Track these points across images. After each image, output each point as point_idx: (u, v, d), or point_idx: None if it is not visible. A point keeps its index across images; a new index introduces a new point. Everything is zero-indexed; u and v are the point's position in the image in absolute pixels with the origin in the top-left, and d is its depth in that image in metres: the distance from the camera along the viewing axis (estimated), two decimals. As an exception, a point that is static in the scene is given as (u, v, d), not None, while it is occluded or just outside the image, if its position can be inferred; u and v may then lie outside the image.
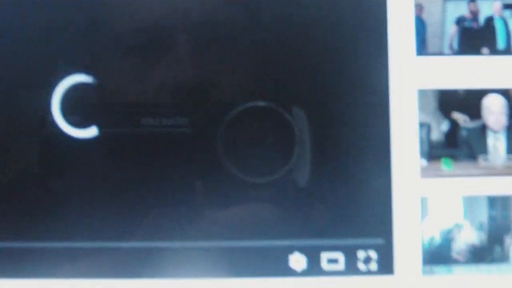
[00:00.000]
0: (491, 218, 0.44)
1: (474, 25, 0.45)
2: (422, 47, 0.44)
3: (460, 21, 0.45)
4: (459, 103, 0.44)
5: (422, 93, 0.43)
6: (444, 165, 0.44)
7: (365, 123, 0.43)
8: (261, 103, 0.42)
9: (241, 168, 0.42)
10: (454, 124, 0.44)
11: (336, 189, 0.43)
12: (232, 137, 0.42)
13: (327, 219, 0.42)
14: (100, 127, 0.42)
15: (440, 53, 0.44)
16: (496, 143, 0.44)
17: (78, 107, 0.43)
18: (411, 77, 0.43)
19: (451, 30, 0.45)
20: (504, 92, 0.44)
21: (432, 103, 0.44)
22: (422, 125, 0.43)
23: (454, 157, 0.44)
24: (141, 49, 0.43)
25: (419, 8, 0.44)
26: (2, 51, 0.43)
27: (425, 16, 0.44)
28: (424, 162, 0.43)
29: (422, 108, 0.43)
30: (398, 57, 0.43)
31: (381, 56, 0.43)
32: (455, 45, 0.45)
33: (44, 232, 0.42)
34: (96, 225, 0.42)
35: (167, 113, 0.42)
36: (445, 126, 0.44)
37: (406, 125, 0.43)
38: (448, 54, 0.44)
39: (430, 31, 0.44)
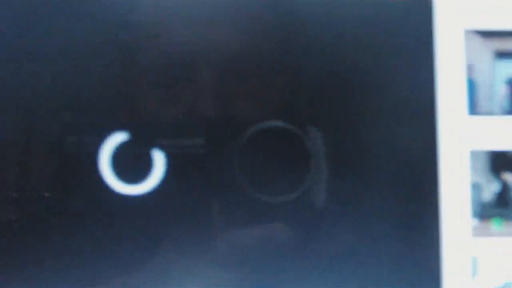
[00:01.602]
0: (541, 278, 0.44)
1: (524, 84, 0.46)
2: (472, 108, 0.45)
3: (511, 81, 0.46)
4: (510, 164, 0.45)
5: (474, 154, 0.44)
6: (495, 225, 0.44)
7: (418, 183, 0.44)
8: (277, 124, 0.43)
9: (256, 188, 0.42)
10: (504, 185, 0.45)
11: (388, 247, 0.43)
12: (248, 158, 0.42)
13: (376, 277, 0.43)
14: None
15: (491, 113, 0.45)
16: (545, 202, 0.45)
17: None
18: (463, 137, 0.44)
19: (502, 90, 0.45)
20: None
21: (484, 164, 0.44)
22: (473, 185, 0.44)
23: (504, 217, 0.44)
24: (164, 79, 0.44)
25: (470, 68, 0.45)
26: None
27: (475, 76, 0.45)
28: (475, 222, 0.44)
29: (473, 168, 0.44)
30: (450, 117, 0.44)
31: (432, 115, 0.44)
32: (506, 105, 0.45)
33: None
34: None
35: (184, 134, 0.42)
36: (496, 186, 0.45)
37: (458, 185, 0.44)
38: (499, 114, 0.45)
39: (480, 91, 0.45)
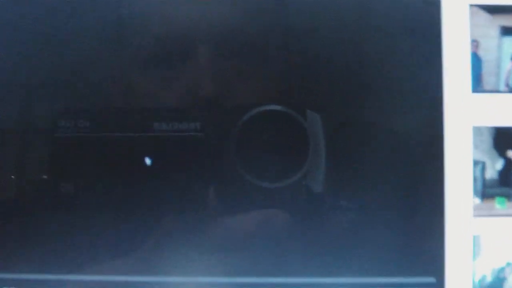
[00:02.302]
0: (545, 258, 0.43)
1: (531, 61, 0.45)
2: (477, 84, 0.44)
3: (517, 57, 0.45)
4: (515, 141, 0.44)
5: (477, 131, 0.43)
6: (498, 204, 0.43)
7: (419, 159, 0.43)
8: (276, 107, 0.42)
9: (253, 173, 0.42)
10: (509, 163, 0.44)
11: (387, 226, 0.42)
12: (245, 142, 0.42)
13: (377, 257, 0.42)
14: (111, 131, 0.42)
15: (496, 90, 0.44)
16: (551, 182, 0.44)
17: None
18: (466, 114, 0.43)
19: (508, 66, 0.44)
20: (561, 131, 0.44)
21: (487, 141, 0.44)
22: (476, 163, 0.43)
23: (508, 196, 0.44)
24: (160, 60, 0.43)
25: (475, 44, 0.44)
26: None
27: (481, 52, 0.44)
28: (477, 201, 0.43)
29: (476, 146, 0.43)
30: (453, 93, 0.43)
31: (436, 92, 0.43)
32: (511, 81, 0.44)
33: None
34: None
35: (180, 118, 0.42)
36: (499, 164, 0.44)
37: (461, 162, 0.43)
38: (504, 92, 0.44)
39: (486, 67, 0.44)
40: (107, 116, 0.42)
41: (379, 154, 0.43)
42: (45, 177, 0.42)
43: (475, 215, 0.43)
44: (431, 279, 0.42)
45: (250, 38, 0.43)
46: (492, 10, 0.44)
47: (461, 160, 0.43)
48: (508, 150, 0.44)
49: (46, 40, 0.43)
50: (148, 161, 0.42)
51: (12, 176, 0.43)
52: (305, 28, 0.43)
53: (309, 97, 0.43)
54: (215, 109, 0.42)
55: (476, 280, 0.43)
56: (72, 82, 0.43)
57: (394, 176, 0.43)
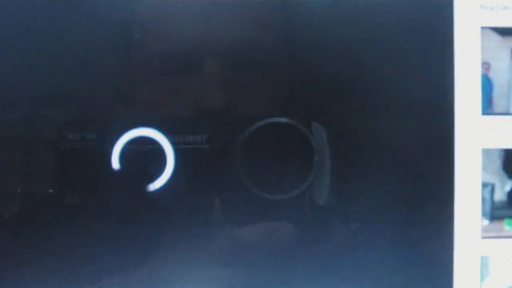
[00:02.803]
0: (554, 280, 0.43)
1: (542, 84, 0.45)
2: (488, 106, 0.44)
3: (527, 80, 0.45)
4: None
5: (487, 153, 0.43)
6: (507, 225, 0.44)
7: (429, 180, 0.43)
8: (281, 120, 0.42)
9: (259, 185, 0.42)
10: (518, 185, 0.44)
11: (397, 244, 0.43)
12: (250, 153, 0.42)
13: (383, 275, 0.43)
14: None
15: (506, 113, 0.44)
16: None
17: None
18: (476, 136, 0.43)
19: (519, 89, 0.45)
20: None
21: (497, 163, 0.44)
22: (485, 184, 0.43)
23: (517, 218, 0.44)
24: (168, 74, 0.43)
25: (486, 66, 0.44)
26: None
27: (491, 74, 0.44)
28: (486, 222, 0.43)
29: (486, 167, 0.43)
30: (464, 115, 0.43)
31: (446, 113, 0.44)
32: (522, 105, 0.45)
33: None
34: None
35: (187, 130, 0.42)
36: (508, 186, 0.44)
37: (470, 184, 0.43)
38: (514, 114, 0.44)
39: (497, 90, 0.44)
40: (114, 128, 0.43)
41: (387, 173, 0.43)
42: (51, 190, 0.43)
43: (484, 236, 0.43)
44: (439, 299, 0.43)
45: (256, 51, 0.44)
46: (504, 32, 0.44)
47: (471, 181, 0.43)
48: (517, 172, 0.44)
49: (53, 51, 0.43)
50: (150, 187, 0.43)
51: (18, 190, 0.44)
52: (311, 41, 0.44)
53: (314, 110, 0.44)
54: (221, 122, 0.43)
55: (484, 301, 0.43)
56: (79, 94, 0.43)
57: (403, 197, 0.44)
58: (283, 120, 0.42)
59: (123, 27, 0.44)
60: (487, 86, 0.44)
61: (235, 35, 0.44)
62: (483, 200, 0.43)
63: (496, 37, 0.44)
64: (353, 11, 0.44)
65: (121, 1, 0.43)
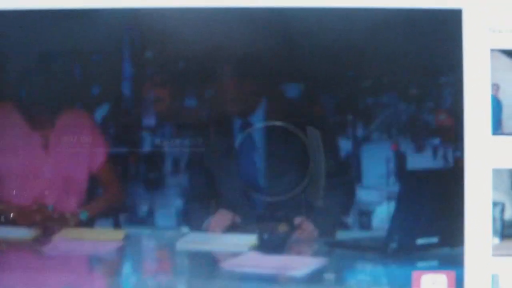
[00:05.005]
0: None
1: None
2: (497, 127, 0.45)
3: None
4: (534, 183, 0.45)
5: (497, 173, 0.44)
6: (517, 244, 0.45)
7: (440, 199, 0.44)
8: (277, 123, 0.44)
9: (254, 186, 0.43)
10: (528, 204, 0.45)
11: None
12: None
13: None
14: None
15: (516, 133, 0.45)
16: None
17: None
18: (486, 156, 0.44)
19: (527, 110, 0.46)
20: None
21: (507, 183, 0.45)
22: (496, 204, 0.44)
23: (527, 236, 0.45)
24: (169, 79, 0.45)
25: (495, 87, 0.45)
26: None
27: (501, 95, 0.45)
28: (497, 240, 0.44)
29: (496, 187, 0.44)
30: (474, 135, 0.44)
31: (457, 133, 0.44)
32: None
33: None
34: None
35: (184, 133, 0.44)
36: (519, 205, 0.45)
37: (480, 203, 0.44)
38: (524, 134, 0.45)
39: (506, 110, 0.45)
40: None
41: (398, 193, 0.44)
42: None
43: (494, 255, 0.44)
44: (450, 317, 0.43)
45: (253, 56, 0.45)
46: (513, 54, 0.45)
47: (481, 201, 0.44)
48: (527, 191, 0.45)
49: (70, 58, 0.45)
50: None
51: None
52: (312, 50, 0.45)
53: (310, 114, 0.45)
54: (217, 125, 0.44)
55: (495, 318, 0.44)
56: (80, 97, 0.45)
57: (415, 213, 0.44)
58: (279, 123, 0.44)
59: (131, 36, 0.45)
60: (497, 107, 0.45)
61: (232, 43, 0.44)
62: (494, 219, 0.44)
63: (505, 59, 0.45)
64: (364, 41, 0.45)
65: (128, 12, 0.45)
